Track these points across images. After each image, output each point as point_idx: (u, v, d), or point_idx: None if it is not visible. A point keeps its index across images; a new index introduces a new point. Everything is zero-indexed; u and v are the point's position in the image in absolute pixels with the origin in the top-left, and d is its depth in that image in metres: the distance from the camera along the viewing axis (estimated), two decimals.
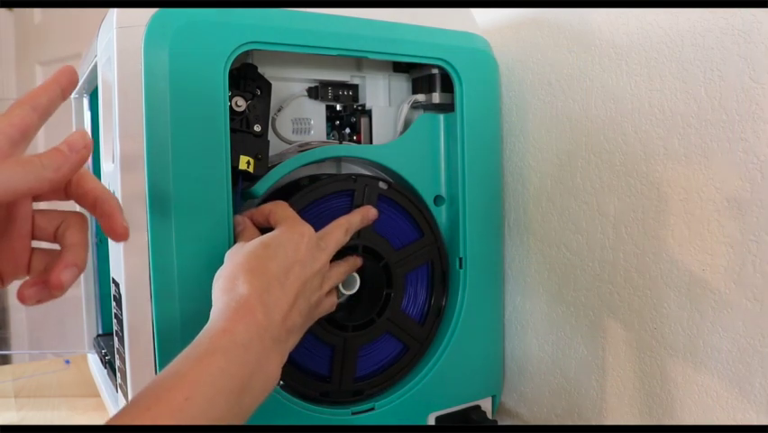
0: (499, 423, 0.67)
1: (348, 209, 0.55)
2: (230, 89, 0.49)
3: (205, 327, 0.41)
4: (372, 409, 0.58)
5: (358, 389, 0.58)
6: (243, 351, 0.39)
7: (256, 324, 0.41)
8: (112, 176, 0.50)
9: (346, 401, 0.57)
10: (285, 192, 0.55)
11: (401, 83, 0.63)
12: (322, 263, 0.48)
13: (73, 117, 0.81)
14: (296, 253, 0.46)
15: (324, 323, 0.54)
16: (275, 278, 0.43)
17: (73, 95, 0.80)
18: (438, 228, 0.61)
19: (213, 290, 0.44)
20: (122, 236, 0.40)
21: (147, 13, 0.46)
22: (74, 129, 0.82)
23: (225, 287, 0.43)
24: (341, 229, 0.51)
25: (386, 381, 0.59)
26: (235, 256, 0.45)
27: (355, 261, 0.54)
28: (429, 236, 0.60)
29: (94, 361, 0.79)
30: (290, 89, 0.58)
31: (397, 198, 0.58)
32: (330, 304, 0.50)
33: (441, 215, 0.62)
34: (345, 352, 0.56)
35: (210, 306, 0.42)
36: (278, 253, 0.45)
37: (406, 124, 0.62)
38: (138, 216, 0.46)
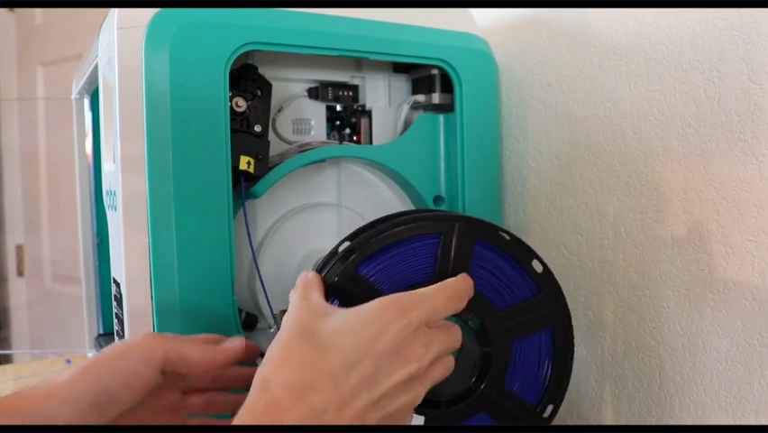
0: None
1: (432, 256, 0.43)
2: (230, 90, 0.49)
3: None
4: None
5: None
6: None
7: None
8: (113, 176, 0.50)
9: None
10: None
11: (401, 83, 0.63)
12: (413, 371, 0.34)
13: (74, 117, 0.81)
14: (371, 345, 0.34)
15: None
16: (329, 374, 0.33)
17: (74, 95, 0.80)
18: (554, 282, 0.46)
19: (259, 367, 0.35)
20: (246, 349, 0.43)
21: (148, 14, 0.47)
22: (74, 129, 0.82)
23: (261, 381, 0.33)
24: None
25: None
26: (289, 341, 0.35)
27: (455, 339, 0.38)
28: (549, 293, 0.45)
29: None
30: (290, 90, 0.58)
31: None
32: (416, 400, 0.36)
33: None
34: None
35: (210, 305, 0.42)
36: (346, 342, 0.34)
37: (406, 125, 0.62)
38: (138, 217, 0.46)
